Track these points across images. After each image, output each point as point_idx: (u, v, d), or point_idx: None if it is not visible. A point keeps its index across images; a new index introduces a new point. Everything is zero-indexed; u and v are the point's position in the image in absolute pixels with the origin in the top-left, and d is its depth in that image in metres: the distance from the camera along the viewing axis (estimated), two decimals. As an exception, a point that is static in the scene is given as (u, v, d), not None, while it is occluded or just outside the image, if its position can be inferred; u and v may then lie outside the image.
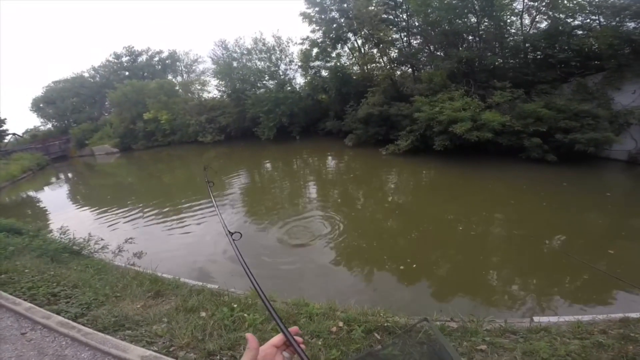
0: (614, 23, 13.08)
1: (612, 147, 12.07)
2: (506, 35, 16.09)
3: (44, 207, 15.76)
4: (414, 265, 6.38)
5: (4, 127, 34.90)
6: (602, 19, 13.74)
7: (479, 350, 2.76)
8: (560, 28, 14.23)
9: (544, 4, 14.79)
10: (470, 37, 16.93)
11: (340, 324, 3.16)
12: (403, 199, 11.51)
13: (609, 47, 12.40)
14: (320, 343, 2.78)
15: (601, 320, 3.33)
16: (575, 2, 14.05)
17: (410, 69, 20.56)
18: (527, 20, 15.83)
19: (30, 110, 44.99)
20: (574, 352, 2.64)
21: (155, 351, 2.61)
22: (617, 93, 12.50)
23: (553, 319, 3.50)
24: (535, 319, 3.50)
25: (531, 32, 15.66)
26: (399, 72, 21.46)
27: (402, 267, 6.32)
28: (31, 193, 19.63)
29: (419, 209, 10.20)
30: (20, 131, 42.37)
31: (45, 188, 21.12)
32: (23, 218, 11.63)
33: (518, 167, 12.54)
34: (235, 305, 3.39)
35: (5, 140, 36.42)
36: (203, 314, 3.28)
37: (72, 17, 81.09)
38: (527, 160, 12.68)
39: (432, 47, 18.86)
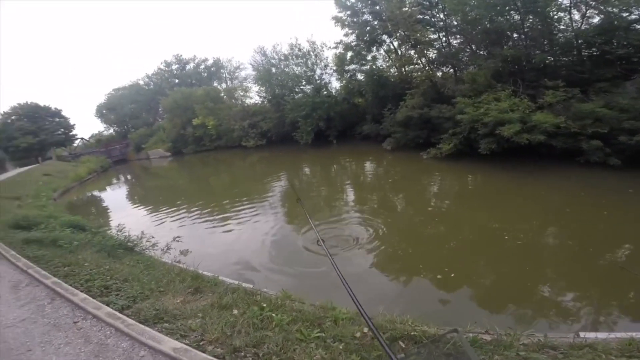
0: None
1: (689, 150, 10.57)
2: (555, 32, 14.91)
3: (106, 205, 17.45)
4: (452, 275, 6.08)
5: (74, 132, 39.51)
6: (662, 12, 12.20)
7: None
8: (615, 23, 12.83)
9: (593, -2, 13.51)
10: (514, 35, 15.93)
11: (365, 329, 3.10)
12: (444, 205, 11.05)
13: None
14: (341, 347, 2.78)
15: (658, 338, 2.93)
16: (628, -5, 12.62)
17: (451, 70, 19.78)
18: (576, 16, 14.54)
19: (95, 116, 50.49)
20: None
21: (186, 344, 2.79)
22: (691, 91, 10.96)
23: (601, 335, 3.17)
24: (581, 334, 3.18)
25: (583, 27, 14.33)
26: (439, 74, 20.74)
27: (439, 276, 6.04)
28: (95, 193, 21.80)
29: (461, 215, 9.68)
30: (87, 135, 47.49)
31: (107, 188, 23.38)
32: (88, 216, 12.96)
33: (575, 173, 11.49)
34: (264, 305, 3.50)
35: (75, 144, 41.06)
36: (235, 311, 3.43)
37: (126, 25, 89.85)
38: (586, 164, 11.53)
39: (473, 47, 18.01)
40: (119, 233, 7.61)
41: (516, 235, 7.67)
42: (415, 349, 2.79)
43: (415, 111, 17.69)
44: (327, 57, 27.35)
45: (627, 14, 12.90)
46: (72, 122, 39.39)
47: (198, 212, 12.14)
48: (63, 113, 38.67)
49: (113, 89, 50.45)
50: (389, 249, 7.56)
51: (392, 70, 24.27)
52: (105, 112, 49.59)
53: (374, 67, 23.87)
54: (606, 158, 11.07)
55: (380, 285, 6.06)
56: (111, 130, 51.26)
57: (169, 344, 2.78)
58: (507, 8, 14.74)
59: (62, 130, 37.88)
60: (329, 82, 28.03)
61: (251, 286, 4.72)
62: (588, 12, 14.15)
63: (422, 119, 17.66)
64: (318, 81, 27.39)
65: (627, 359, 2.60)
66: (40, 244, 6.40)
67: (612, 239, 7.02)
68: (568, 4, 14.24)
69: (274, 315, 3.28)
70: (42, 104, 37.30)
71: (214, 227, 10.38)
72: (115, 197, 19.49)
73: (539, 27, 14.82)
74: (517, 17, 14.99)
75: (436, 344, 2.65)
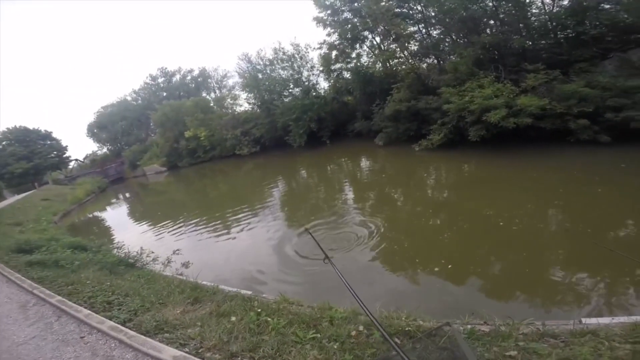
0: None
1: (677, 122, 10.72)
2: (529, 16, 15.18)
3: (107, 225, 17.48)
4: (450, 266, 6.06)
5: (67, 154, 39.39)
6: (627, -10, 12.47)
7: (508, 356, 2.53)
8: (584, 3, 13.11)
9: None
10: (491, 22, 16.23)
11: (361, 327, 3.14)
12: (438, 195, 11.16)
13: (641, 18, 11.20)
14: (336, 347, 2.84)
15: (666, 321, 2.84)
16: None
17: (435, 60, 19.97)
18: None
19: (87, 135, 50.48)
20: (620, 359, 2.33)
21: (186, 352, 2.92)
22: (668, 65, 11.17)
23: (604, 320, 3.07)
24: (583, 320, 3.09)
25: (555, 10, 14.65)
26: (425, 65, 20.91)
27: (436, 269, 6.04)
28: (96, 213, 21.79)
29: (455, 205, 9.75)
30: (81, 156, 47.48)
31: (107, 208, 23.40)
32: (90, 235, 13.00)
33: (567, 152, 11.63)
34: (259, 310, 3.61)
35: (70, 167, 40.96)
36: (233, 318, 3.53)
37: (107, 41, 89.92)
38: (576, 143, 11.68)
39: (453, 36, 18.20)
40: (119, 250, 7.73)
41: (511, 221, 7.67)
42: (410, 344, 2.79)
43: (403, 104, 17.85)
44: (312, 58, 27.61)
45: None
46: (64, 143, 39.31)
47: (198, 224, 12.19)
48: (54, 135, 38.59)
49: (101, 106, 50.61)
50: (386, 244, 7.57)
51: (377, 65, 24.44)
52: (96, 131, 49.56)
53: (358, 64, 24.05)
54: (595, 136, 11.25)
55: (378, 281, 6.11)
56: (105, 149, 51.25)
57: (169, 352, 2.91)
58: (479, -4, 15.01)
59: (55, 152, 37.82)
60: (317, 83, 28.26)
61: (250, 293, 4.81)
62: (557, -6, 14.43)
63: (410, 112, 17.82)
64: (306, 83, 27.55)
65: (632, 345, 2.47)
66: (43, 266, 6.61)
67: (608, 218, 6.97)
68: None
69: (269, 319, 3.38)
70: (30, 127, 37.16)
71: (214, 237, 10.42)
72: (115, 216, 19.53)
73: (513, 12, 15.07)
74: (490, 4, 15.28)
75: (431, 338, 2.65)
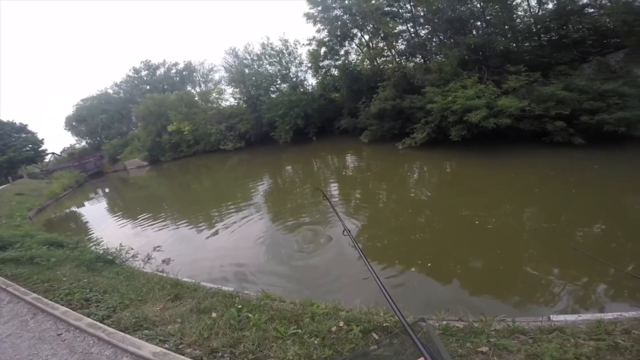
0: (624, -1, 12.33)
1: (647, 126, 11.26)
2: (515, 19, 15.68)
3: (85, 220, 16.91)
4: (429, 264, 6.18)
5: (43, 147, 37.57)
6: (611, -5, 13.03)
7: (480, 352, 2.62)
8: (568, 7, 13.60)
9: (545, -17, 14.29)
10: (478, 23, 16.62)
11: (341, 323, 3.20)
12: (419, 194, 11.30)
13: (623, 23, 11.75)
14: (316, 342, 2.88)
15: (626, 318, 3.00)
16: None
17: (421, 60, 20.24)
18: (533, 2, 15.41)
19: (65, 129, 48.52)
20: (585, 355, 2.45)
21: (166, 348, 2.90)
22: (644, 70, 11.70)
23: (571, 317, 3.21)
24: (553, 317, 3.25)
25: (540, 13, 15.17)
26: (411, 64, 21.16)
27: (413, 269, 6.11)
28: (73, 209, 21.01)
29: (435, 204, 9.91)
30: (58, 150, 45.51)
31: (86, 203, 22.59)
32: (67, 232, 12.51)
33: (543, 153, 12.02)
34: (240, 307, 3.60)
35: (46, 160, 39.22)
36: (214, 314, 3.52)
37: (89, 32, 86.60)
38: (551, 144, 12.14)
39: (441, 36, 18.53)
40: (97, 247, 7.56)
41: (487, 220, 7.86)
42: (387, 339, 2.87)
43: (388, 103, 18.07)
44: (300, 54, 27.59)
45: (579, -2, 13.64)
46: (40, 136, 37.51)
47: (179, 219, 11.99)
48: (29, 128, 36.73)
49: (81, 99, 48.67)
50: (366, 241, 7.65)
51: (364, 63, 24.60)
52: (75, 124, 47.74)
53: (347, 61, 24.18)
54: (570, 138, 11.71)
55: (358, 278, 6.03)
56: (83, 143, 49.48)
57: (149, 348, 2.88)
58: (468, -4, 15.34)
59: (30, 146, 36.01)
60: (305, 79, 28.28)
61: (231, 289, 4.79)
62: (543, -2, 14.89)
63: (395, 110, 18.07)
64: (293, 79, 27.47)
65: (595, 342, 2.61)
66: (17, 263, 6.36)
67: (581, 218, 7.29)
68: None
69: (250, 315, 3.39)
70: (4, 119, 35.26)
71: (196, 233, 10.25)
72: (94, 212, 18.88)
73: (500, 14, 15.51)
74: (478, 5, 15.62)
75: (408, 334, 2.75)
